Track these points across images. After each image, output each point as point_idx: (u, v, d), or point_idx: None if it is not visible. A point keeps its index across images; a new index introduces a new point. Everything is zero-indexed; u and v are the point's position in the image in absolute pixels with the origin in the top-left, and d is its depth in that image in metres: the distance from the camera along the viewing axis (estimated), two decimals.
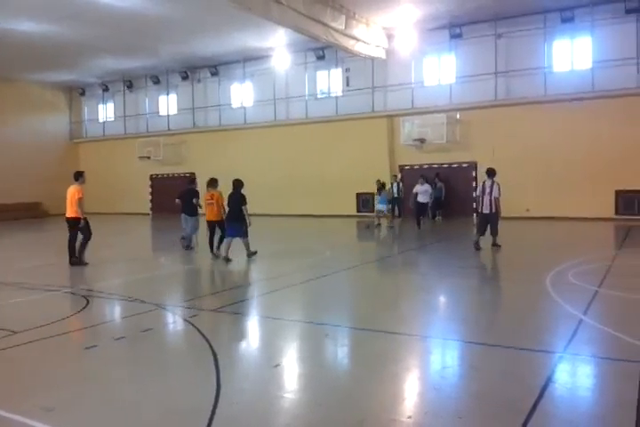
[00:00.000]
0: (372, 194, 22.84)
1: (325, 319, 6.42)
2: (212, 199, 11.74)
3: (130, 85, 29.61)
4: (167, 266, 11.19)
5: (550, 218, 19.29)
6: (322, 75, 24.67)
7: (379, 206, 18.78)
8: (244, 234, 11.10)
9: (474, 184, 21.48)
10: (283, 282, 8.96)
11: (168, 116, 28.99)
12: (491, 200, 11.71)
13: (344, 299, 7.85)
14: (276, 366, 4.78)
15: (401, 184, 21.42)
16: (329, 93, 24.63)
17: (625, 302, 6.96)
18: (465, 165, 21.78)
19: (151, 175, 29.52)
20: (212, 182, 12.07)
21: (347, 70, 23.78)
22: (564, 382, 4.34)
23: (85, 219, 10.60)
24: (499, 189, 11.73)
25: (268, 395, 4.15)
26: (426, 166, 22.14)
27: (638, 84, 18.55)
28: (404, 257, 12.44)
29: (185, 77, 27.54)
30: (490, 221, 11.96)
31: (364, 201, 23.44)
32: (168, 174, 28.80)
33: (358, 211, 23.57)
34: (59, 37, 20.97)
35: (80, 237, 10.71)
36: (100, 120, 31.71)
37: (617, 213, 19.13)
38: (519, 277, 9.38)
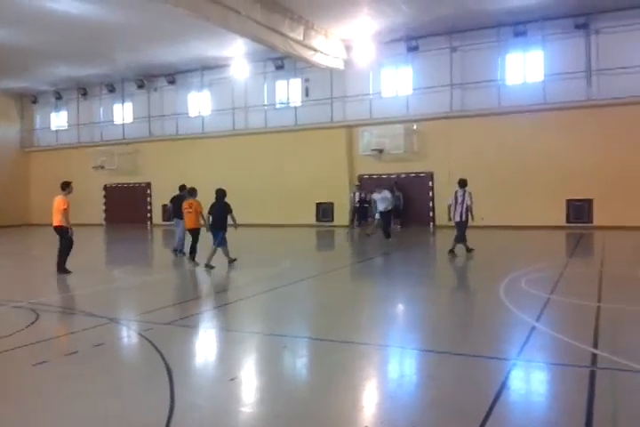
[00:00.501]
0: (332, 204, 23.00)
1: (283, 331, 6.37)
2: (191, 208, 12.07)
3: (84, 93, 28.98)
4: (122, 278, 10.92)
5: (504, 227, 19.73)
6: (281, 84, 24.71)
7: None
8: (222, 242, 11.39)
9: (430, 194, 21.86)
10: (241, 293, 8.87)
11: (123, 124, 28.51)
12: (462, 209, 12.45)
13: (303, 310, 7.80)
14: (232, 379, 4.70)
15: (357, 194, 21.64)
16: (288, 103, 24.69)
17: (576, 309, 7.15)
18: (422, 175, 22.13)
19: (105, 185, 28.85)
20: (192, 192, 12.45)
21: (306, 80, 23.89)
22: (517, 389, 4.42)
23: (70, 228, 10.69)
24: (470, 198, 12.52)
25: (223, 409, 4.07)
26: (384, 176, 22.37)
27: (588, 96, 19.25)
28: (363, 266, 12.49)
29: (141, 86, 27.13)
30: (458, 228, 12.62)
31: (324, 210, 23.51)
32: (122, 184, 28.17)
33: (318, 220, 23.61)
34: (8, 43, 20.35)
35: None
36: (53, 129, 30.91)
37: (568, 221, 19.74)
38: (474, 286, 9.58)
